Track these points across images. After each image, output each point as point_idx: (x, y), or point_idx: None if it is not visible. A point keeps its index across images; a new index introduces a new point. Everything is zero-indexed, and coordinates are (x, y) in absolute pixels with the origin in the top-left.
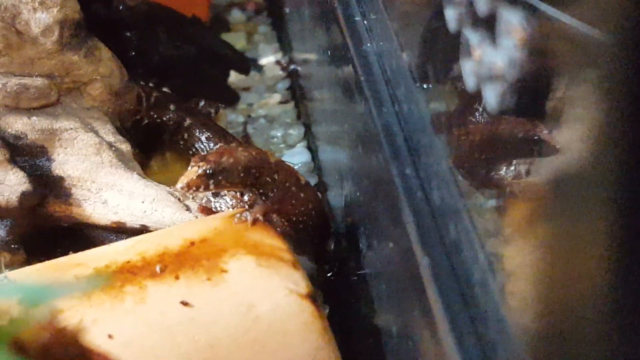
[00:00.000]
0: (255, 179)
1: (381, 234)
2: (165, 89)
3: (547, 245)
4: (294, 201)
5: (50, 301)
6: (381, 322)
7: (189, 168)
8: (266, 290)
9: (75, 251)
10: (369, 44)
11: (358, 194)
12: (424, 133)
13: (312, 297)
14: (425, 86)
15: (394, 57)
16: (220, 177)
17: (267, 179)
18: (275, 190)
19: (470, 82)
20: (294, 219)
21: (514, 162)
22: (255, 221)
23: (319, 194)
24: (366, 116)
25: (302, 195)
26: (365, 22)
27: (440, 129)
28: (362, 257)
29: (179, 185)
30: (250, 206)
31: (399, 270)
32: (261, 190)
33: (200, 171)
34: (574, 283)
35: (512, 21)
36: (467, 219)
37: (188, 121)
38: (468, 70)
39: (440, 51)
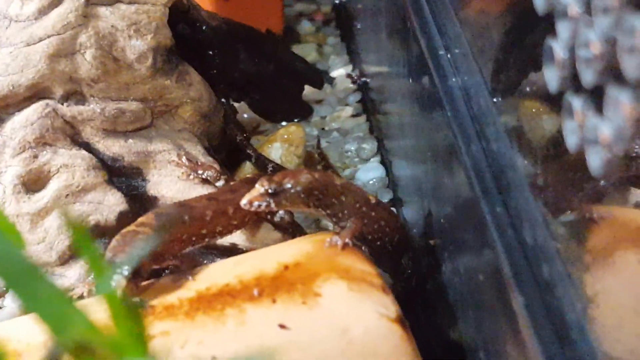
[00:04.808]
0: (319, 200)
1: (468, 263)
2: (244, 103)
3: None
4: (366, 221)
5: None
6: (467, 348)
7: (255, 187)
8: (358, 314)
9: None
10: (454, 79)
11: (442, 219)
12: (513, 171)
13: (401, 321)
14: (511, 124)
15: (481, 94)
16: (280, 197)
17: (333, 200)
18: (345, 212)
19: (571, 142)
20: (369, 237)
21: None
22: (345, 245)
23: (393, 210)
24: (454, 151)
25: (373, 214)
26: (449, 55)
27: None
28: (446, 281)
29: (242, 201)
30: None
31: (488, 300)
32: (329, 211)
33: (262, 190)
34: None
35: (621, 99)
36: (560, 258)
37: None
38: (569, 129)
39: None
